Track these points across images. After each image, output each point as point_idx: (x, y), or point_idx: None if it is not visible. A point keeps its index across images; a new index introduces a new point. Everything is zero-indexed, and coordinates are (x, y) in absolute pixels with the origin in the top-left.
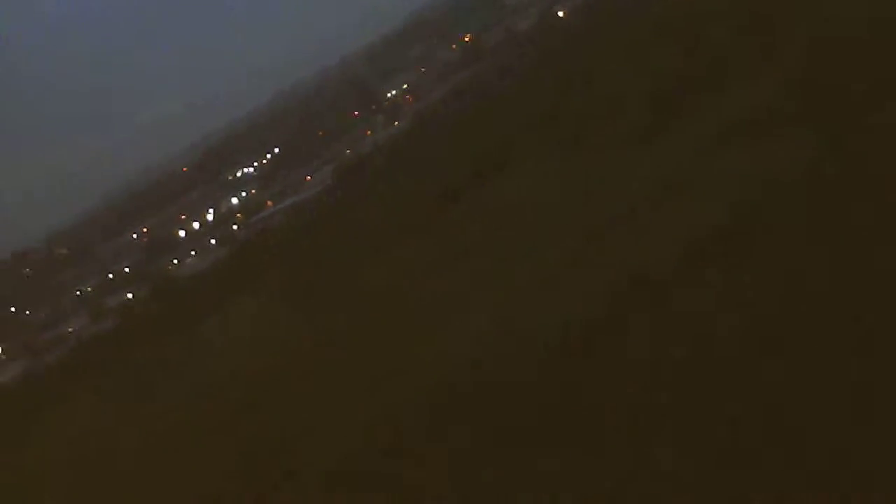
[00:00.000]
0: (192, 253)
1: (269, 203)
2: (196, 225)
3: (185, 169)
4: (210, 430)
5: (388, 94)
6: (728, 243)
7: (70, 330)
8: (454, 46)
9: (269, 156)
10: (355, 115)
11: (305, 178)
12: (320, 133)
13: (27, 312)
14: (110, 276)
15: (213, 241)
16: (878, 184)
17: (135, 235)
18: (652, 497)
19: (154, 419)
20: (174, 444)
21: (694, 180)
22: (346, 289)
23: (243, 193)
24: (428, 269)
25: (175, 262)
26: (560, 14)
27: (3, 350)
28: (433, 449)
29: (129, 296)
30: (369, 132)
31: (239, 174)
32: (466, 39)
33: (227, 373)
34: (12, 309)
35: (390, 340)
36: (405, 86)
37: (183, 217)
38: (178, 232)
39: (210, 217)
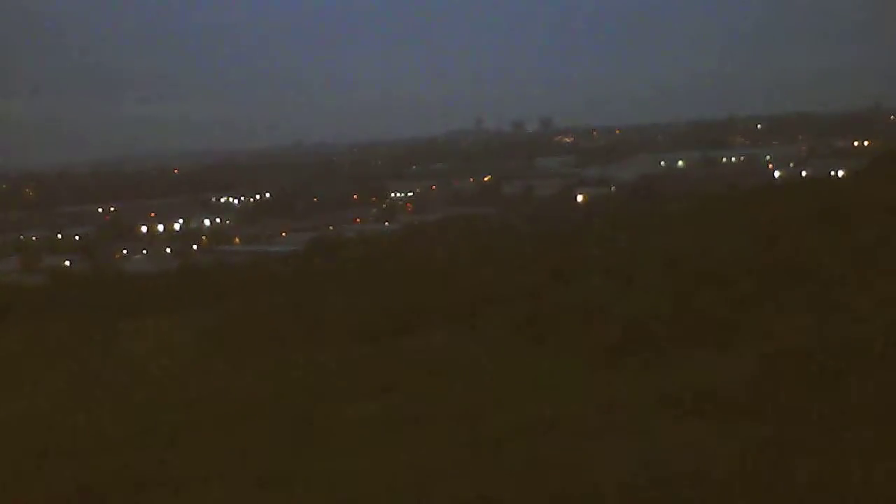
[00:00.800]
0: (144, 252)
1: (237, 240)
2: (160, 227)
3: (176, 171)
4: None
5: (392, 195)
6: None
7: None
8: (472, 180)
9: (257, 198)
10: (353, 199)
11: (280, 234)
12: (314, 199)
13: None
14: (59, 236)
15: (168, 250)
16: None
17: (100, 210)
18: None
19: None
20: None
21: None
22: None
23: (217, 220)
24: None
25: (125, 253)
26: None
27: None
28: None
29: (67, 263)
30: (359, 219)
31: (223, 201)
32: (486, 179)
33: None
34: None
35: None
36: (410, 194)
37: (152, 214)
38: (140, 228)
39: (177, 227)
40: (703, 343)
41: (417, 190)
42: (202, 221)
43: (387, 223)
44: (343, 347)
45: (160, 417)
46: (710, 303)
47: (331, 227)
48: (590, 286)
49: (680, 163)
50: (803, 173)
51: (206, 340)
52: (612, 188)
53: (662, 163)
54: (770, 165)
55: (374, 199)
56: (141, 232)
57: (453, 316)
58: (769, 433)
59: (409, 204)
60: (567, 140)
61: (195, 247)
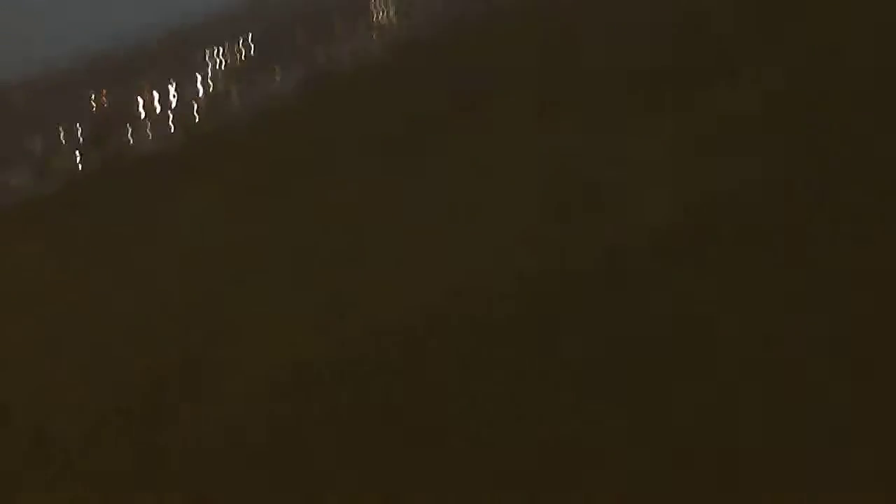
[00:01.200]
0: (148, 132)
1: (235, 95)
2: (157, 103)
3: (155, 42)
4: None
5: (374, 13)
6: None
7: (12, 183)
8: None
9: (241, 45)
10: (336, 25)
11: (275, 77)
12: (300, 34)
13: None
14: (61, 135)
15: (171, 125)
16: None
17: (92, 97)
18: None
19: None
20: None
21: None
22: (308, 200)
23: (209, 80)
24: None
25: (129, 136)
26: None
27: None
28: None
29: (79, 162)
30: (350, 44)
31: (207, 58)
32: None
33: (176, 258)
34: None
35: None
36: (394, 8)
37: (144, 92)
38: (137, 107)
39: (172, 98)
40: None
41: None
42: (195, 86)
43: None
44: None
45: None
46: None
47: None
48: None
49: None
50: None
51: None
52: None
53: None
54: None
55: (358, 20)
56: (138, 112)
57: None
58: None
59: (393, 18)
60: None
61: (196, 113)
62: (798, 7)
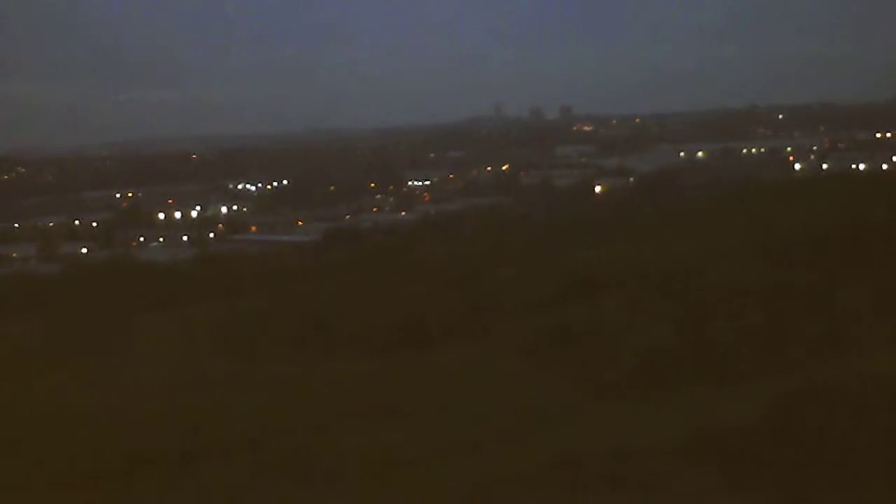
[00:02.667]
0: (161, 240)
1: (253, 228)
2: (178, 215)
3: (194, 156)
4: None
5: (410, 183)
6: None
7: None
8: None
9: (274, 185)
10: (370, 187)
11: (297, 223)
12: (331, 188)
13: None
14: (77, 223)
15: (185, 238)
16: None
17: (117, 195)
18: None
19: None
20: None
21: None
22: None
23: (234, 208)
24: None
25: (142, 240)
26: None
27: None
28: None
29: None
30: (375, 209)
31: (240, 188)
32: (503, 168)
33: None
34: None
35: None
36: (428, 183)
37: (170, 201)
38: (158, 215)
39: (194, 214)
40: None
41: (435, 178)
42: (219, 209)
43: (403, 213)
44: (353, 359)
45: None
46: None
47: (347, 217)
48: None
49: (700, 154)
50: (824, 166)
51: (215, 341)
52: (631, 180)
53: (682, 153)
54: (791, 157)
55: (391, 187)
56: (158, 219)
57: (467, 326)
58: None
59: (426, 193)
60: (586, 128)
61: (212, 235)
62: None
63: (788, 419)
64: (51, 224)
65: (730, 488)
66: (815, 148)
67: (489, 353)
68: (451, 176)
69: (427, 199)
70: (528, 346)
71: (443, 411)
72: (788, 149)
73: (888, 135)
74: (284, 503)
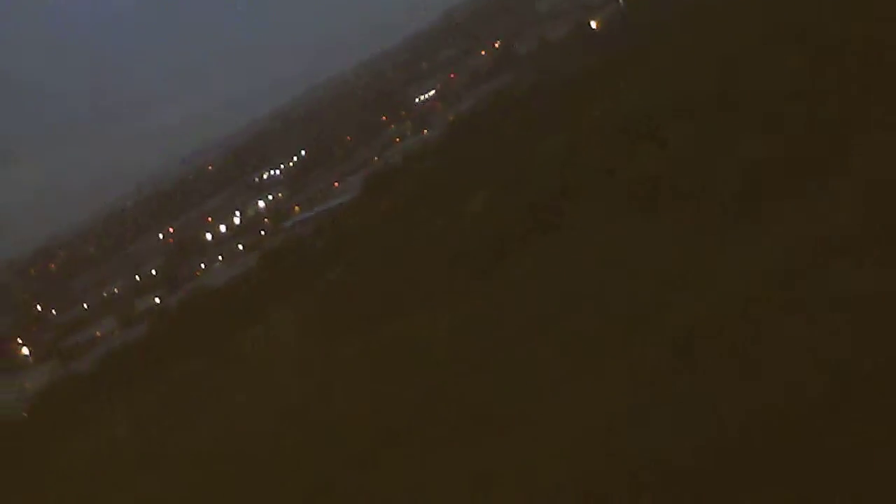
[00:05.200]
0: (220, 258)
1: (297, 209)
2: (223, 228)
3: (210, 168)
4: (246, 462)
5: (417, 100)
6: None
7: (98, 334)
8: (484, 52)
9: (295, 159)
10: (383, 121)
11: (333, 185)
12: (348, 138)
13: (53, 312)
14: (137, 277)
15: (240, 247)
16: None
17: (161, 236)
18: None
19: (184, 446)
20: (205, 479)
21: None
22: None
23: (270, 197)
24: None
25: (202, 266)
26: (593, 25)
27: (30, 353)
28: None
29: (157, 300)
30: (398, 139)
31: (266, 177)
32: (497, 45)
33: (268, 391)
34: (38, 308)
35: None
36: (434, 92)
37: (209, 219)
38: (205, 235)
39: (237, 220)
40: None
41: (438, 85)
42: (257, 205)
43: (425, 131)
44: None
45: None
46: None
47: (376, 158)
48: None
49: None
50: None
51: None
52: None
53: None
54: None
55: (402, 113)
56: (206, 240)
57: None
58: None
59: (437, 103)
60: None
61: (263, 233)
62: None
63: None
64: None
65: None
66: None
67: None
68: (452, 76)
69: (439, 108)
70: None
71: None
72: None
73: None
74: None
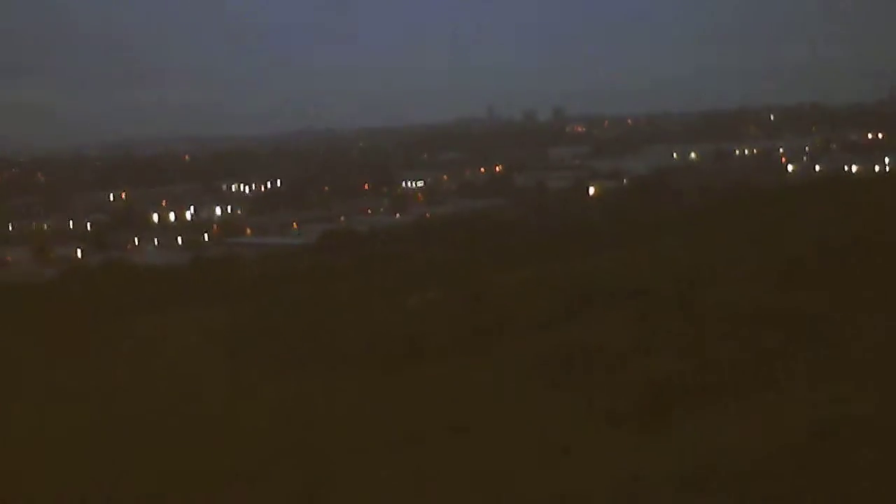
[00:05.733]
0: (156, 241)
1: (249, 230)
2: (172, 216)
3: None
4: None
5: (404, 184)
6: None
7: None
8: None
9: (264, 187)
10: (365, 188)
11: (292, 225)
12: (325, 188)
13: None
14: (71, 223)
15: (179, 239)
16: None
17: (113, 196)
18: None
19: None
20: None
21: None
22: None
23: (229, 209)
24: None
25: (136, 241)
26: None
27: None
28: None
29: (80, 253)
30: (370, 210)
31: (234, 188)
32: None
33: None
34: None
35: None
36: (421, 183)
37: (164, 201)
38: (152, 214)
39: (188, 216)
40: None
41: (428, 179)
42: (213, 210)
43: (398, 215)
44: (356, 375)
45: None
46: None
47: (342, 218)
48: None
49: (692, 155)
50: (817, 168)
51: (214, 348)
52: (625, 181)
53: (675, 155)
54: (783, 159)
55: (384, 188)
56: (152, 220)
57: (475, 342)
58: None
59: (420, 194)
60: (579, 130)
61: (206, 237)
62: None
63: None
64: (45, 226)
65: None
66: (807, 149)
67: (498, 373)
68: (444, 177)
69: (421, 199)
70: (532, 367)
71: (443, 430)
72: (781, 149)
73: (879, 135)
74: None
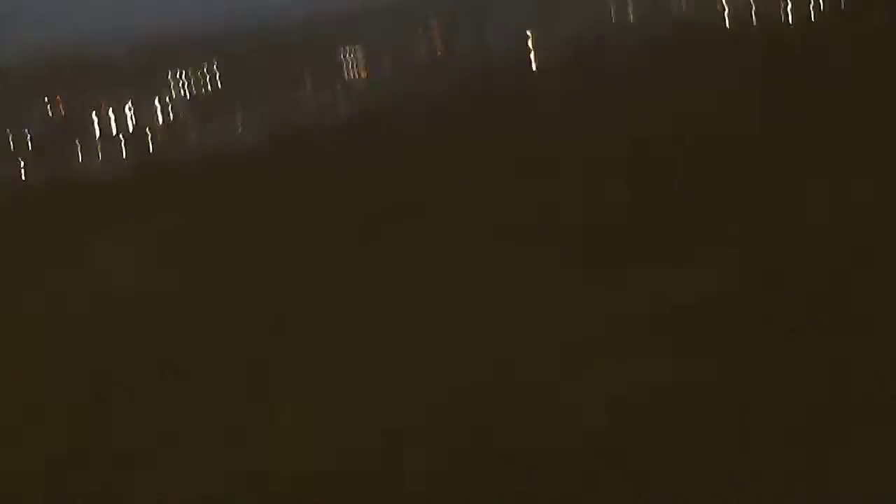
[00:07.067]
0: (99, 154)
1: (193, 134)
2: (113, 124)
3: (122, 53)
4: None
5: (351, 72)
6: None
7: None
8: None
9: (208, 79)
10: (309, 75)
11: (237, 119)
12: (269, 76)
13: None
14: (10, 142)
15: (124, 149)
16: None
17: (48, 104)
18: None
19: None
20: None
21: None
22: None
23: (169, 109)
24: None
25: (79, 155)
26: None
27: None
28: None
29: (22, 173)
30: (318, 97)
31: (171, 81)
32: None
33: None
34: None
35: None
36: (364, 59)
37: (102, 106)
38: (93, 122)
39: (129, 122)
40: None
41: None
42: (155, 112)
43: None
44: (306, 260)
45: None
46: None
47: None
48: None
49: None
50: None
51: (164, 262)
52: None
53: None
54: None
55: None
56: (94, 127)
57: (423, 213)
58: None
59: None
60: None
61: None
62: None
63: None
64: None
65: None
66: None
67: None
68: None
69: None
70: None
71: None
72: None
73: None
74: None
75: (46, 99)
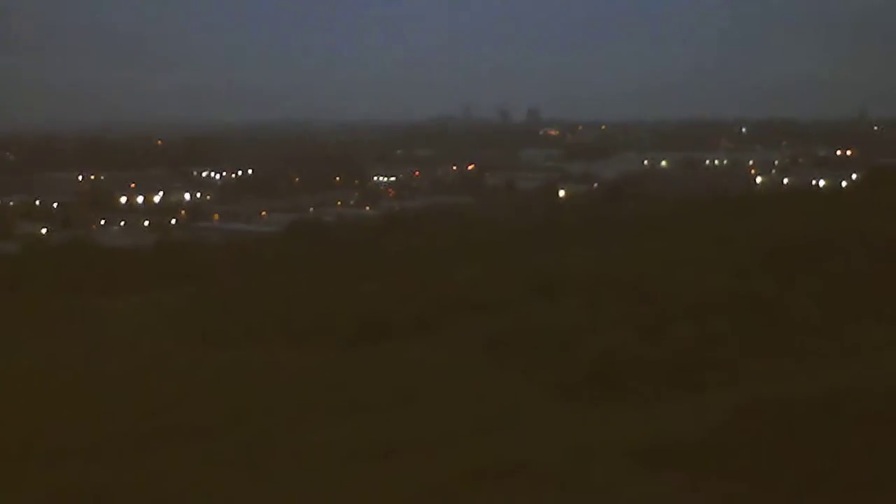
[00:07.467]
0: (122, 223)
1: (216, 216)
2: (140, 199)
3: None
4: None
5: (375, 179)
6: None
7: None
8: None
9: (234, 174)
10: (335, 181)
11: (260, 214)
12: (296, 179)
13: None
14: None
15: (146, 223)
16: None
17: (80, 178)
18: None
19: None
20: None
21: None
22: None
23: (198, 195)
24: None
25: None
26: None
27: None
28: None
29: (44, 230)
30: (339, 202)
31: (204, 174)
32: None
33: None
34: None
35: None
36: (392, 179)
37: (133, 184)
38: (120, 197)
39: (157, 199)
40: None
41: (400, 175)
42: (182, 195)
43: (367, 208)
44: (314, 351)
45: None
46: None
47: (311, 209)
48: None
49: (663, 163)
50: (785, 181)
51: (173, 327)
52: (595, 185)
53: (646, 162)
54: (753, 171)
55: (356, 181)
56: (120, 203)
57: (429, 323)
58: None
59: (391, 189)
60: (553, 133)
61: (173, 221)
62: None
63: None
64: (10, 203)
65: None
66: (776, 162)
67: (448, 350)
68: (416, 173)
69: (392, 195)
70: (487, 345)
71: (400, 406)
72: (751, 162)
73: (848, 152)
74: (238, 495)
75: (81, 175)
